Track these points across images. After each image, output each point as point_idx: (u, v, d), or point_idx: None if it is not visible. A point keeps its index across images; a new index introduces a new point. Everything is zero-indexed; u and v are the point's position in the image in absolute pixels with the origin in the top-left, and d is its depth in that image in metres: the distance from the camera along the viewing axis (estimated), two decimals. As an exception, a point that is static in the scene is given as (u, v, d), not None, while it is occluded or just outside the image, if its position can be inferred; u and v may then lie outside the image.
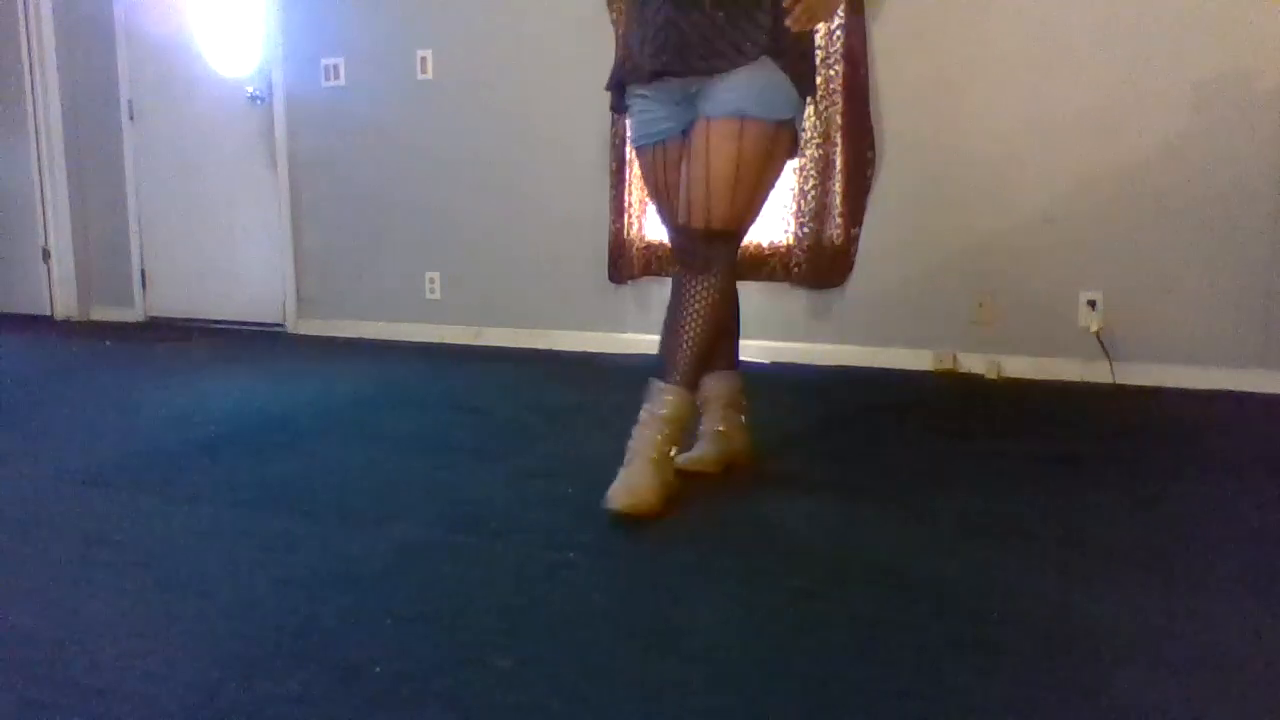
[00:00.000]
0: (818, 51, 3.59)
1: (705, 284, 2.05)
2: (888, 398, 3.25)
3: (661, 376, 2.07)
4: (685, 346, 2.05)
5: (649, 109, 2.18)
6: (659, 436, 2.04)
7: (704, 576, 1.73)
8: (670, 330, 2.08)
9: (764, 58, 2.00)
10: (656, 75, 2.09)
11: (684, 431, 2.10)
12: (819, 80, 3.60)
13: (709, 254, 2.05)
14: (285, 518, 2.04)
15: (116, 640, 1.48)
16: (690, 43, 2.01)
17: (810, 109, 3.63)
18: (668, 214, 2.24)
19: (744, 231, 2.13)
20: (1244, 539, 1.90)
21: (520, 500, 2.11)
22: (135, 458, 2.51)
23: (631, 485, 1.98)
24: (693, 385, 2.09)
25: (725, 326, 2.22)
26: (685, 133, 2.14)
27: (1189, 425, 2.84)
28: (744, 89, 2.00)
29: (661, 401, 2.05)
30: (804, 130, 2.09)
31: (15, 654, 1.44)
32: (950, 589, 1.66)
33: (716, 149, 2.01)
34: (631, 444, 2.05)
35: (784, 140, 2.09)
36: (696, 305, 2.05)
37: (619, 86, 2.26)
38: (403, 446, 2.61)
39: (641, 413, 2.07)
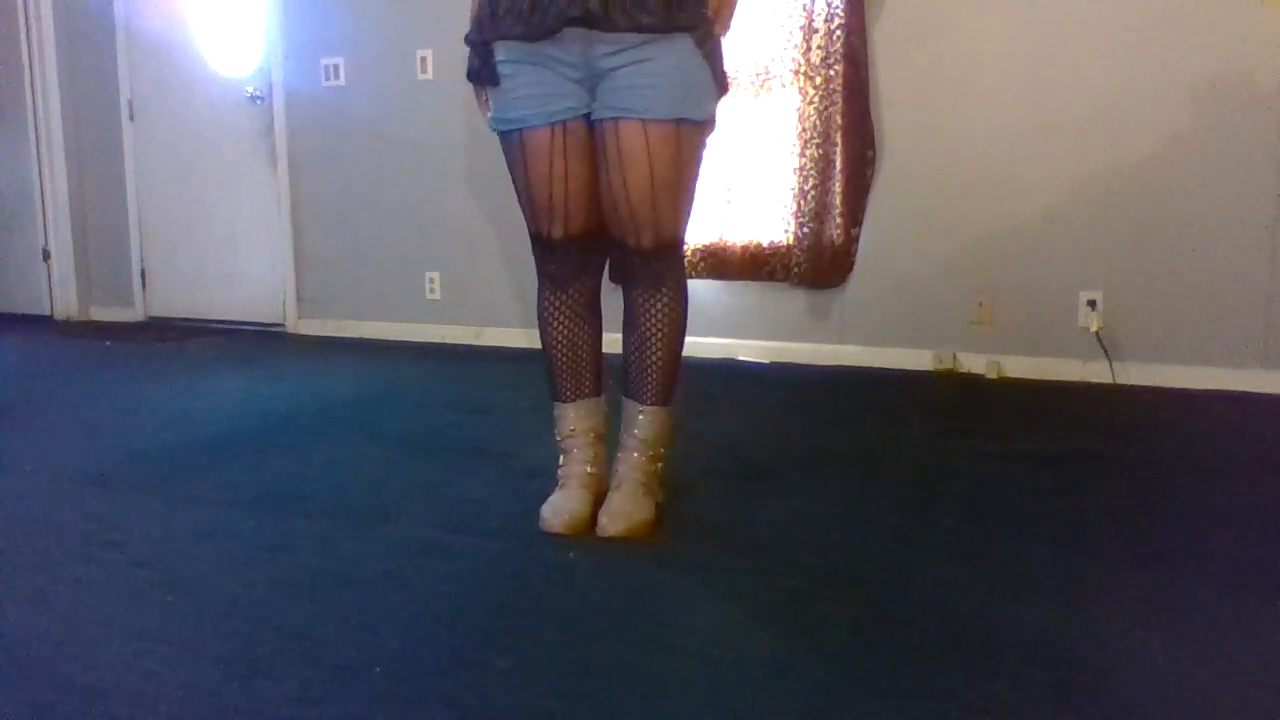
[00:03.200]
0: (817, 51, 3.60)
1: (663, 300, 1.92)
2: (888, 398, 3.25)
3: (635, 398, 1.97)
4: (655, 368, 1.94)
5: (540, 81, 1.81)
6: (644, 459, 1.97)
7: (703, 576, 1.73)
8: (634, 352, 1.96)
9: (688, 43, 1.77)
10: (571, 23, 1.73)
11: (668, 448, 2.02)
12: (819, 80, 3.60)
13: (662, 270, 1.90)
14: (285, 518, 2.04)
15: (116, 640, 1.48)
16: None
17: (811, 109, 3.63)
18: (554, 214, 1.89)
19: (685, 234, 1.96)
20: (1244, 539, 1.90)
21: (520, 500, 2.11)
22: (135, 458, 2.51)
23: (623, 511, 1.92)
24: (669, 401, 1.98)
25: (599, 348, 2.05)
26: (589, 120, 1.84)
27: (1189, 425, 2.84)
28: (677, 87, 1.78)
29: (638, 423, 1.97)
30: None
31: (15, 654, 1.44)
32: (949, 589, 1.66)
33: (659, 155, 1.79)
34: (617, 468, 1.98)
35: (709, 133, 1.90)
36: (657, 324, 1.92)
37: (486, 48, 1.85)
38: (403, 446, 2.61)
39: (622, 436, 1.99)
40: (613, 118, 1.80)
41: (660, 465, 2.01)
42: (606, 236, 1.93)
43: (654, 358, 1.94)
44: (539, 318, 2.03)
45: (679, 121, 1.80)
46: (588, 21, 1.72)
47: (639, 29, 1.73)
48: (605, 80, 1.79)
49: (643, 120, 1.78)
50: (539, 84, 1.81)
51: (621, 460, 1.99)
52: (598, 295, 2.02)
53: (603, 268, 2.02)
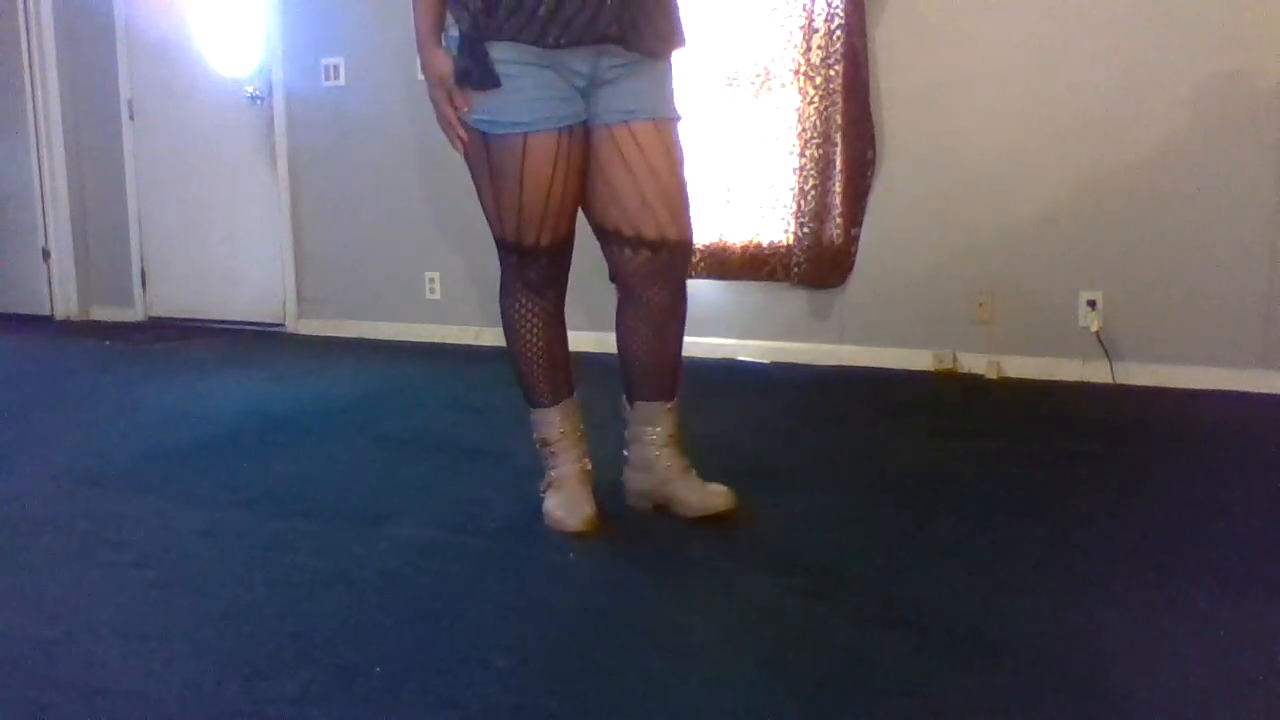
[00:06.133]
0: (817, 51, 3.60)
1: (682, 297, 1.98)
2: (888, 398, 3.25)
3: (658, 398, 2.00)
4: (673, 364, 2.00)
5: (549, 84, 1.78)
6: (678, 450, 2.01)
7: (704, 576, 1.73)
8: (652, 352, 1.98)
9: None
10: (601, 40, 1.75)
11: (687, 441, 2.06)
12: (819, 80, 3.60)
13: (684, 266, 1.97)
14: (285, 518, 2.04)
15: (116, 640, 1.49)
16: (648, 11, 1.80)
17: (811, 109, 3.63)
18: (545, 220, 1.88)
19: None
20: (1244, 539, 1.90)
21: (520, 500, 2.11)
22: (135, 458, 2.51)
23: (715, 489, 1.99)
24: (680, 391, 2.05)
25: (568, 350, 2.07)
26: (586, 126, 1.87)
27: (1189, 425, 2.84)
28: (666, 90, 1.91)
29: (663, 420, 2.00)
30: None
31: (15, 654, 1.44)
32: (950, 589, 1.66)
33: (673, 150, 1.90)
34: (658, 464, 2.00)
35: None
36: (677, 320, 1.98)
37: (482, 49, 1.75)
38: (403, 446, 2.61)
39: (641, 436, 2.01)
40: (623, 120, 1.86)
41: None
42: (569, 245, 1.99)
43: (672, 353, 2.00)
44: (511, 325, 2.01)
45: (677, 120, 1.93)
46: (614, 38, 1.76)
47: (655, 54, 1.85)
48: (603, 88, 1.84)
49: (654, 120, 1.88)
50: (548, 87, 1.78)
51: (660, 457, 2.00)
52: (564, 301, 2.08)
53: (568, 275, 2.05)
